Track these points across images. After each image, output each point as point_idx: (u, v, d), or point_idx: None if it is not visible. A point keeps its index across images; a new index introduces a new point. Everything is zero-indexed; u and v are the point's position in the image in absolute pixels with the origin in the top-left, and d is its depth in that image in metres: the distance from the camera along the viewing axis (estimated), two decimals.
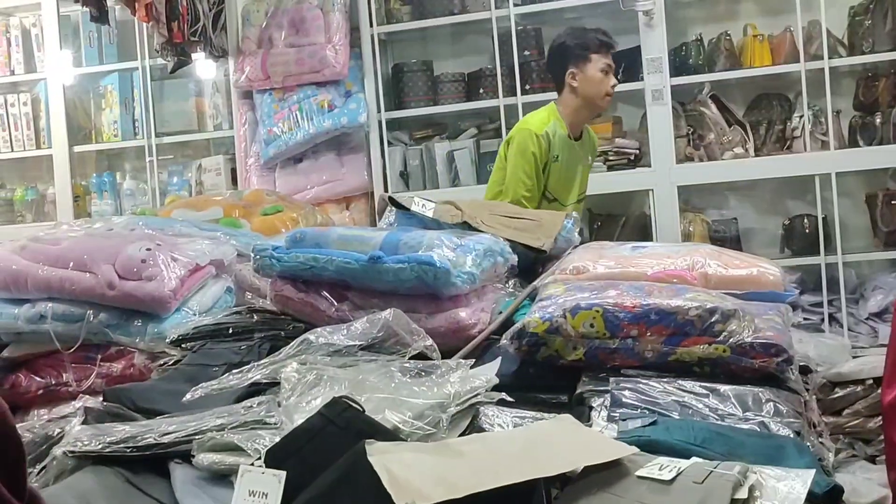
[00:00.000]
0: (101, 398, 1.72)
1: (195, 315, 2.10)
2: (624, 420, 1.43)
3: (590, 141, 3.30)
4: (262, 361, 1.58)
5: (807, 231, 3.76)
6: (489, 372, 1.51)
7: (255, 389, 1.65)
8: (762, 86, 3.91)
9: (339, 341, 1.55)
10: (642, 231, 3.86)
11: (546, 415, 1.45)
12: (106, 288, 2.05)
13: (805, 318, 3.59)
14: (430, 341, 1.60)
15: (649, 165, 3.85)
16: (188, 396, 1.55)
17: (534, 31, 4.09)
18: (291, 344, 1.58)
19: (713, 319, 1.55)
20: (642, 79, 3.83)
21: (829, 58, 3.67)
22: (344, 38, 3.95)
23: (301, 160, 4.03)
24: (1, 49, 4.55)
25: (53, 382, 2.09)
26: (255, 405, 1.46)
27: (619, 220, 3.99)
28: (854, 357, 3.25)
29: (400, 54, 4.32)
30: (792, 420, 1.48)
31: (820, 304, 3.66)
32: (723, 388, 1.51)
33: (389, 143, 4.10)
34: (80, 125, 4.53)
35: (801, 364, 1.76)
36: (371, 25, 4.04)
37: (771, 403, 1.49)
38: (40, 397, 2.09)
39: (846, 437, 3.17)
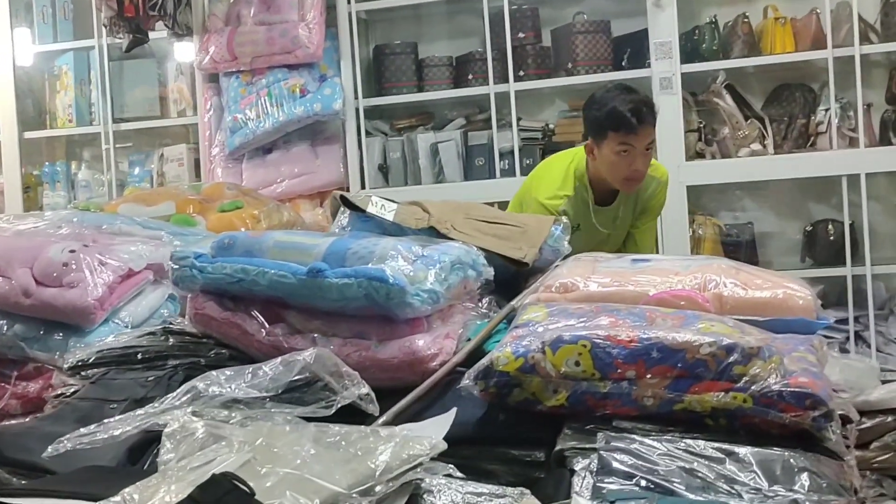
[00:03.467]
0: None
1: (127, 328, 1.93)
2: (612, 503, 1.10)
3: (630, 203, 2.75)
4: (138, 412, 1.23)
5: (831, 238, 3.58)
6: (437, 431, 1.18)
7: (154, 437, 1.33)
8: (784, 75, 3.71)
9: (238, 392, 1.22)
10: None
11: (508, 490, 1.16)
12: (21, 295, 1.90)
13: (828, 337, 3.32)
14: (366, 389, 1.29)
15: None
16: (49, 451, 1.24)
17: (529, 10, 3.88)
18: (176, 393, 1.25)
19: (731, 359, 1.29)
20: (649, 65, 3.63)
21: (860, 44, 3.45)
22: (319, 16, 3.70)
23: (271, 151, 3.80)
24: None
25: None
26: None
27: None
28: (883, 382, 2.95)
29: (381, 35, 4.11)
30: (834, 498, 1.21)
31: (845, 321, 3.45)
32: (742, 450, 1.24)
33: (368, 134, 3.91)
34: (35, 108, 4.31)
35: (841, 413, 1.45)
36: (349, 2, 3.83)
37: (806, 474, 1.23)
38: None
39: (873, 474, 2.87)
